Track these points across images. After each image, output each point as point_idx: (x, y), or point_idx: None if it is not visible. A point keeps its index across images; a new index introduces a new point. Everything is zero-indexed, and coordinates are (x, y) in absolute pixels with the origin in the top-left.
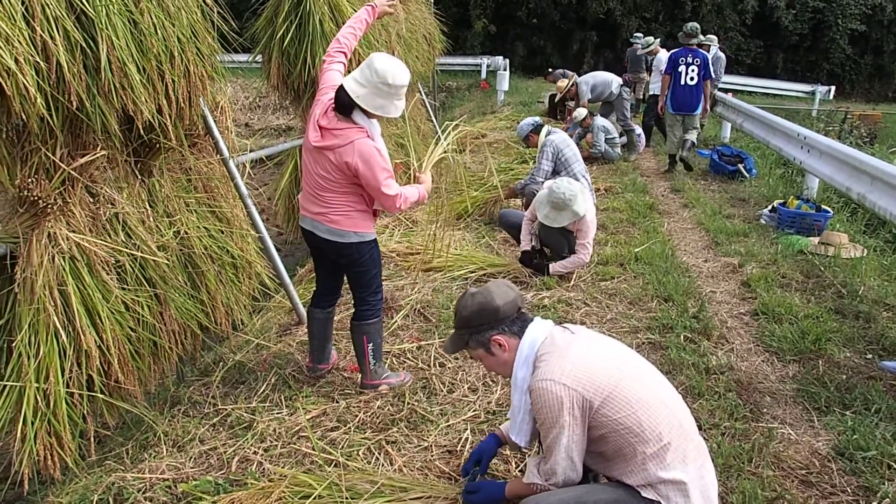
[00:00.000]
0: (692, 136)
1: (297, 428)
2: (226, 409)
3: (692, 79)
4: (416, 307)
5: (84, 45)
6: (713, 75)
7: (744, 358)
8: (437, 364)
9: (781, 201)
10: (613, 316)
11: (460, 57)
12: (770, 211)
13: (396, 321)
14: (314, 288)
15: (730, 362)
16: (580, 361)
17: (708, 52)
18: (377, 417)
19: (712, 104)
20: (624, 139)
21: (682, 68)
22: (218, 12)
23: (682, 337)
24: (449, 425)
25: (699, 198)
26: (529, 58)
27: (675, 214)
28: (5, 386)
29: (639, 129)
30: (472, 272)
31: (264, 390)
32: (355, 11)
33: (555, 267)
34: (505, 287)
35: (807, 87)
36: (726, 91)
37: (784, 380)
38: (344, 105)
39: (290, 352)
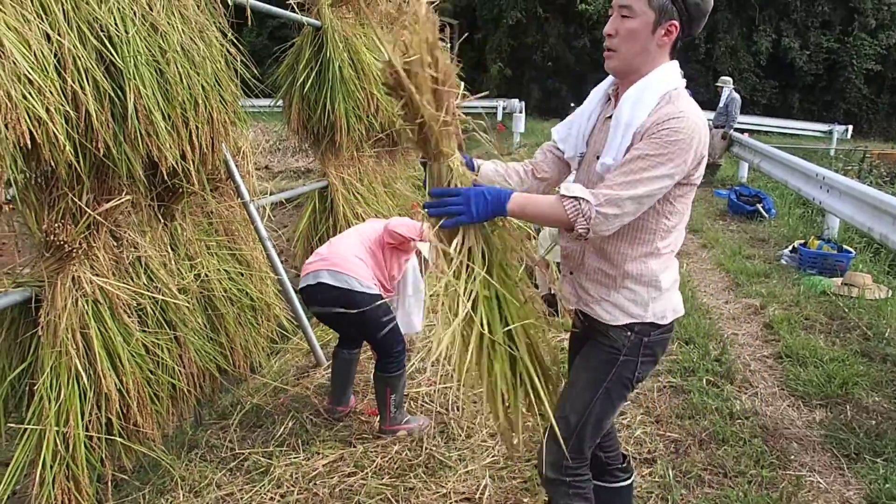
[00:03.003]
0: None
1: (315, 473)
2: (243, 454)
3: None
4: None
5: (112, 94)
6: (729, 115)
7: (769, 402)
8: (455, 408)
9: (802, 241)
10: None
11: (476, 100)
12: (791, 251)
13: (414, 364)
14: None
15: (754, 407)
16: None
17: (722, 93)
18: (395, 463)
19: (728, 144)
20: None
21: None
22: (241, 61)
23: (704, 381)
24: (468, 471)
25: (718, 238)
26: (545, 100)
27: (694, 255)
28: (26, 429)
29: None
30: None
31: (281, 434)
32: (374, 59)
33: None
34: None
35: (824, 127)
36: (742, 131)
37: (811, 425)
38: None
39: (308, 395)
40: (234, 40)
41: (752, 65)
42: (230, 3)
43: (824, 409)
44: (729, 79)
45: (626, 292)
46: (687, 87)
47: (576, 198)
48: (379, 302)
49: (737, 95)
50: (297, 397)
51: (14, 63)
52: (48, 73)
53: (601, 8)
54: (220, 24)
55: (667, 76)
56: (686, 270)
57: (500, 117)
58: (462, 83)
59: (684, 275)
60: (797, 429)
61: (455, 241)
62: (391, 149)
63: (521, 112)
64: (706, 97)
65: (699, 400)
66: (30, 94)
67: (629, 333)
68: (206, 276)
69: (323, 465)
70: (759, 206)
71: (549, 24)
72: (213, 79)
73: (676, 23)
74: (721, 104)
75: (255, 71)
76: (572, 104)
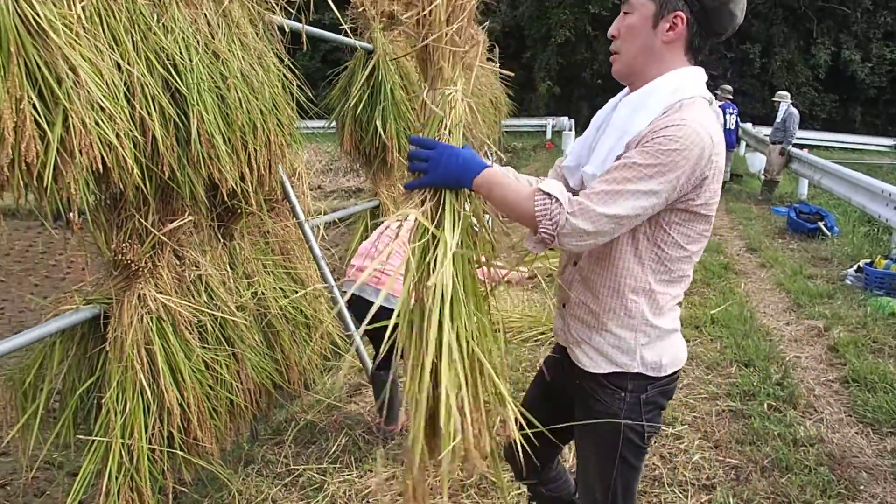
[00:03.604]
0: (726, 174)
1: (367, 491)
2: (297, 470)
3: (731, 123)
4: None
5: (177, 119)
6: (787, 131)
7: (835, 429)
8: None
9: (868, 261)
10: (690, 381)
11: (525, 118)
12: (856, 271)
13: None
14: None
15: (820, 434)
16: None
17: (779, 108)
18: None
19: (787, 161)
20: None
21: (726, 116)
22: (297, 84)
23: (765, 405)
24: (520, 492)
25: (777, 257)
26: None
27: (753, 275)
28: (94, 441)
29: None
30: (543, 333)
31: (335, 451)
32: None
33: None
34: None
35: (888, 141)
36: (802, 147)
37: (882, 454)
38: None
39: (361, 412)
40: (291, 65)
41: (810, 78)
42: (287, 29)
43: None
44: (786, 93)
45: (608, 336)
46: (742, 102)
47: (549, 195)
48: None
49: (794, 110)
50: (349, 414)
51: (88, 91)
52: (118, 100)
53: None
54: (277, 50)
55: (680, 82)
56: (744, 290)
57: (549, 135)
58: (511, 102)
59: (741, 294)
60: (866, 458)
61: (423, 209)
62: None
63: (570, 130)
64: (762, 112)
65: (760, 425)
66: (102, 120)
67: (623, 394)
68: (263, 294)
69: (376, 483)
70: (821, 224)
71: (599, 41)
72: (270, 103)
73: (683, 14)
74: (778, 119)
75: (310, 93)
76: None
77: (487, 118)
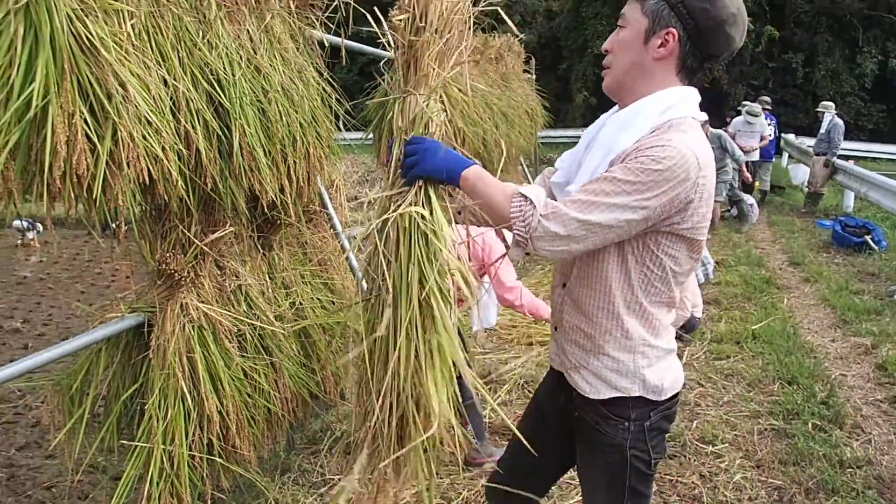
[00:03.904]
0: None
1: (402, 503)
2: (333, 480)
3: (771, 134)
4: (519, 382)
5: (220, 133)
6: (832, 142)
7: (884, 451)
8: None
9: None
10: (731, 398)
11: (562, 130)
12: None
13: (500, 396)
14: None
15: (868, 455)
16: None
17: (823, 119)
18: (481, 496)
19: (832, 172)
20: (734, 210)
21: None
22: (336, 98)
23: (809, 425)
24: None
25: (822, 272)
26: None
27: (796, 289)
28: (136, 446)
29: (750, 199)
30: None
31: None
32: (461, 92)
33: None
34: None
35: None
36: (847, 158)
37: None
38: None
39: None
40: (329, 78)
41: (855, 88)
42: (326, 43)
43: None
44: (830, 104)
45: (606, 360)
46: (784, 113)
47: (526, 197)
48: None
49: (839, 121)
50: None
51: (136, 106)
52: (165, 114)
53: None
54: (316, 64)
55: (671, 101)
56: (787, 305)
57: None
58: (547, 114)
59: (784, 310)
60: None
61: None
62: None
63: None
64: (805, 122)
65: (804, 445)
66: (149, 134)
67: (626, 423)
68: (301, 304)
69: (410, 496)
70: (868, 238)
71: None
72: (309, 116)
73: (675, 31)
74: (822, 130)
75: (347, 106)
76: None
77: (524, 130)
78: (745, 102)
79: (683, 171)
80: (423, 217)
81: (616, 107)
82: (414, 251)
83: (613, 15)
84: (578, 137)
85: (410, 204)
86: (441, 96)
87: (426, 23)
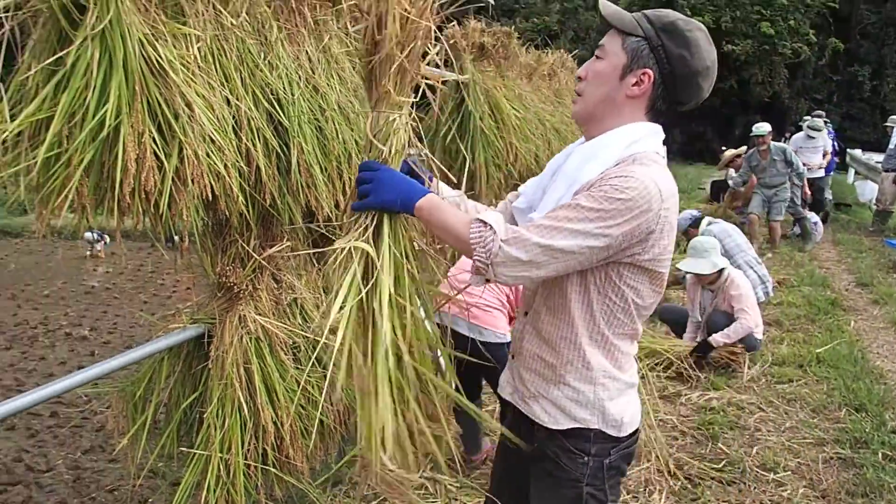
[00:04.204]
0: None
1: None
2: (383, 493)
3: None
4: None
5: (279, 150)
6: None
7: None
8: None
9: None
10: (794, 424)
11: None
12: None
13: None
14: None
15: None
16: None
17: (892, 133)
18: None
19: None
20: (796, 229)
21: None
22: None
23: (879, 454)
24: None
25: (892, 293)
26: (688, 143)
27: (863, 312)
28: (194, 454)
29: (814, 217)
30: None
31: (419, 477)
32: (514, 110)
33: (716, 337)
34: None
35: None
36: None
37: None
38: None
39: (446, 439)
40: None
41: None
42: None
43: None
44: None
45: (566, 389)
46: (850, 127)
47: (485, 223)
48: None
49: None
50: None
51: (201, 125)
52: (227, 133)
53: (749, 48)
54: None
55: (636, 136)
56: (854, 328)
57: None
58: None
59: (851, 333)
60: None
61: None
62: None
63: (662, 157)
64: (873, 137)
65: (874, 476)
66: (212, 152)
67: (586, 458)
68: None
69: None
70: None
71: None
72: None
73: (651, 73)
74: (892, 145)
75: None
76: (723, 147)
77: None
78: (805, 117)
79: (646, 203)
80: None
81: (582, 138)
82: (353, 283)
83: None
84: None
85: (359, 234)
86: (409, 114)
87: (384, 35)
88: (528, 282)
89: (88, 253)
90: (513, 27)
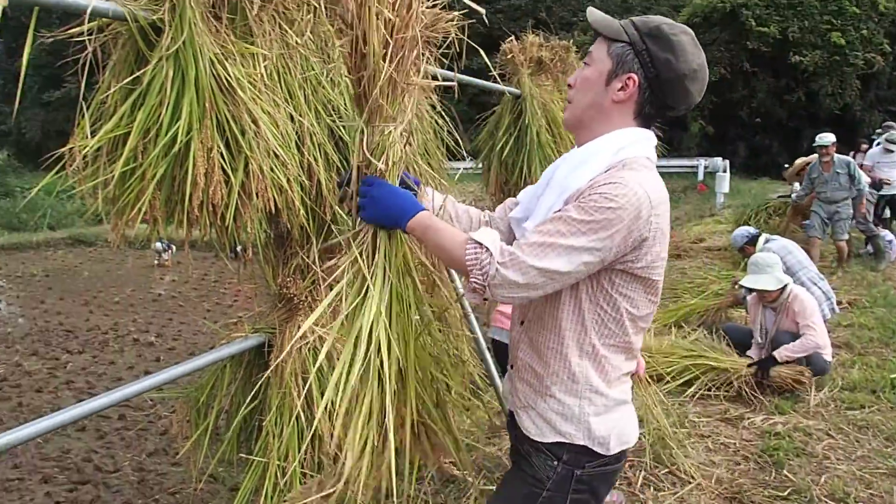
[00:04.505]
0: None
1: None
2: None
3: None
4: None
5: (339, 165)
6: None
7: None
8: (651, 487)
9: None
10: (865, 453)
11: (675, 159)
12: None
13: None
14: None
15: None
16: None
17: None
18: None
19: None
20: (869, 247)
21: None
22: (447, 130)
23: None
24: None
25: None
26: (752, 158)
27: None
28: (253, 460)
29: (889, 234)
30: (693, 377)
31: (472, 492)
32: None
33: (781, 351)
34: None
35: None
36: None
37: None
38: None
39: (500, 455)
40: (442, 111)
41: None
42: (439, 77)
43: None
44: None
45: (552, 402)
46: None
47: (480, 244)
48: None
49: None
50: (488, 456)
51: (266, 141)
52: (290, 148)
53: (818, 59)
54: (430, 97)
55: (625, 141)
56: None
57: (701, 177)
58: (660, 143)
59: None
60: None
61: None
62: None
63: (724, 171)
64: None
65: None
66: (276, 167)
67: (555, 463)
68: None
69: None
70: None
71: (758, 78)
72: (422, 148)
73: (636, 77)
74: None
75: (457, 136)
76: (786, 165)
77: None
78: (878, 130)
79: (635, 209)
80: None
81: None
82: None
83: (732, 40)
84: (694, 167)
85: (358, 248)
86: (408, 126)
87: (369, 49)
88: (526, 301)
89: (156, 262)
90: (571, 41)
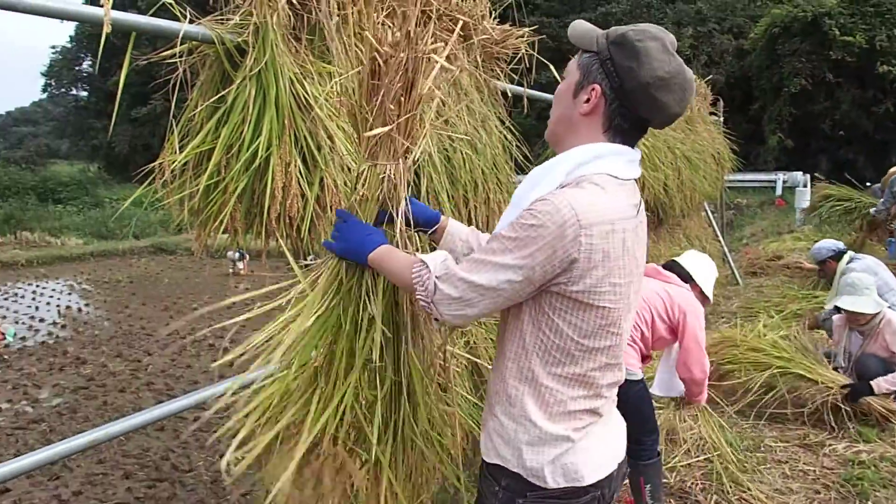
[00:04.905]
0: None
1: None
2: None
3: None
4: (698, 443)
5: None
6: None
7: None
8: None
9: None
10: None
11: (752, 173)
12: None
13: (677, 456)
14: None
15: None
16: (611, 216)
17: None
18: None
19: None
20: None
21: None
22: (516, 145)
23: None
24: None
25: None
26: (835, 172)
27: None
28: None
29: None
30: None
31: None
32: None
33: (880, 382)
34: (686, 81)
35: None
36: None
37: None
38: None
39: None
40: (510, 126)
41: None
42: (509, 93)
43: None
44: None
45: (495, 422)
46: None
47: (424, 262)
48: (640, 387)
49: None
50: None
51: (340, 156)
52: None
53: None
54: (499, 113)
55: (584, 158)
56: None
57: (779, 192)
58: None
59: None
60: None
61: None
62: (655, 226)
63: (805, 186)
64: None
65: None
66: (348, 181)
67: (496, 488)
68: (474, 343)
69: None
70: None
71: (841, 89)
72: (490, 162)
73: (599, 87)
74: None
75: (526, 151)
76: (868, 182)
77: (709, 175)
78: None
79: (558, 228)
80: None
81: None
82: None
83: (813, 51)
84: (772, 182)
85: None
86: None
87: (379, 84)
88: (465, 320)
89: (231, 270)
90: None
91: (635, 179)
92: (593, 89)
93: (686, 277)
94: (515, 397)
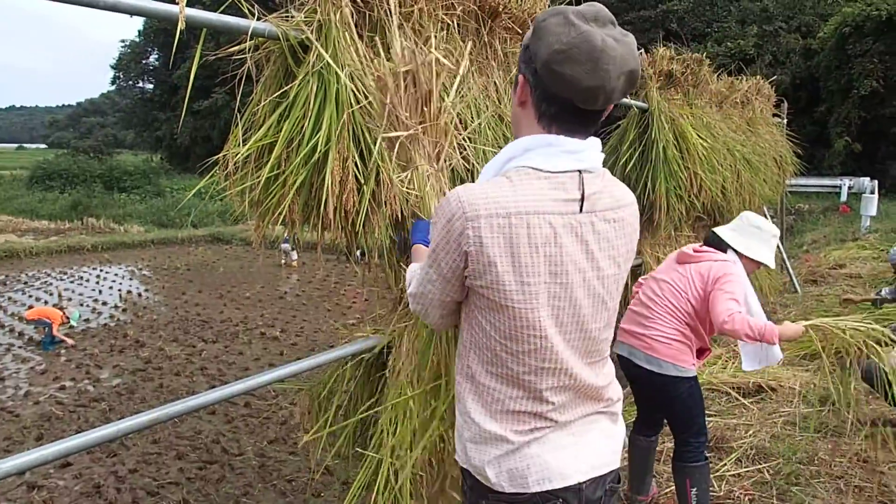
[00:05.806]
0: None
1: None
2: None
3: None
4: (749, 453)
5: (463, 176)
6: None
7: None
8: None
9: None
10: None
11: (815, 178)
12: None
13: (726, 465)
14: (636, 410)
15: None
16: (522, 210)
17: None
18: None
19: None
20: None
21: None
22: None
23: None
24: None
25: None
26: None
27: None
28: (368, 456)
29: None
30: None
31: None
32: (701, 139)
33: None
34: (632, 54)
35: None
36: None
37: None
38: (713, 243)
39: None
40: None
41: None
42: None
43: None
44: None
45: (457, 419)
46: None
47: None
48: (691, 384)
49: None
50: None
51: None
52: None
53: None
54: None
55: (516, 151)
56: None
57: (844, 198)
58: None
59: None
60: None
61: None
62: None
63: (872, 192)
64: None
65: None
66: (403, 179)
67: (465, 487)
68: None
69: None
70: None
71: None
72: None
73: (521, 76)
74: None
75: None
76: None
77: (769, 178)
78: None
79: (447, 221)
80: None
81: None
82: None
83: (887, 51)
84: (836, 187)
85: None
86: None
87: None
88: (443, 326)
89: (283, 262)
90: (703, 53)
91: (582, 172)
92: (520, 80)
93: (724, 248)
94: (460, 394)
